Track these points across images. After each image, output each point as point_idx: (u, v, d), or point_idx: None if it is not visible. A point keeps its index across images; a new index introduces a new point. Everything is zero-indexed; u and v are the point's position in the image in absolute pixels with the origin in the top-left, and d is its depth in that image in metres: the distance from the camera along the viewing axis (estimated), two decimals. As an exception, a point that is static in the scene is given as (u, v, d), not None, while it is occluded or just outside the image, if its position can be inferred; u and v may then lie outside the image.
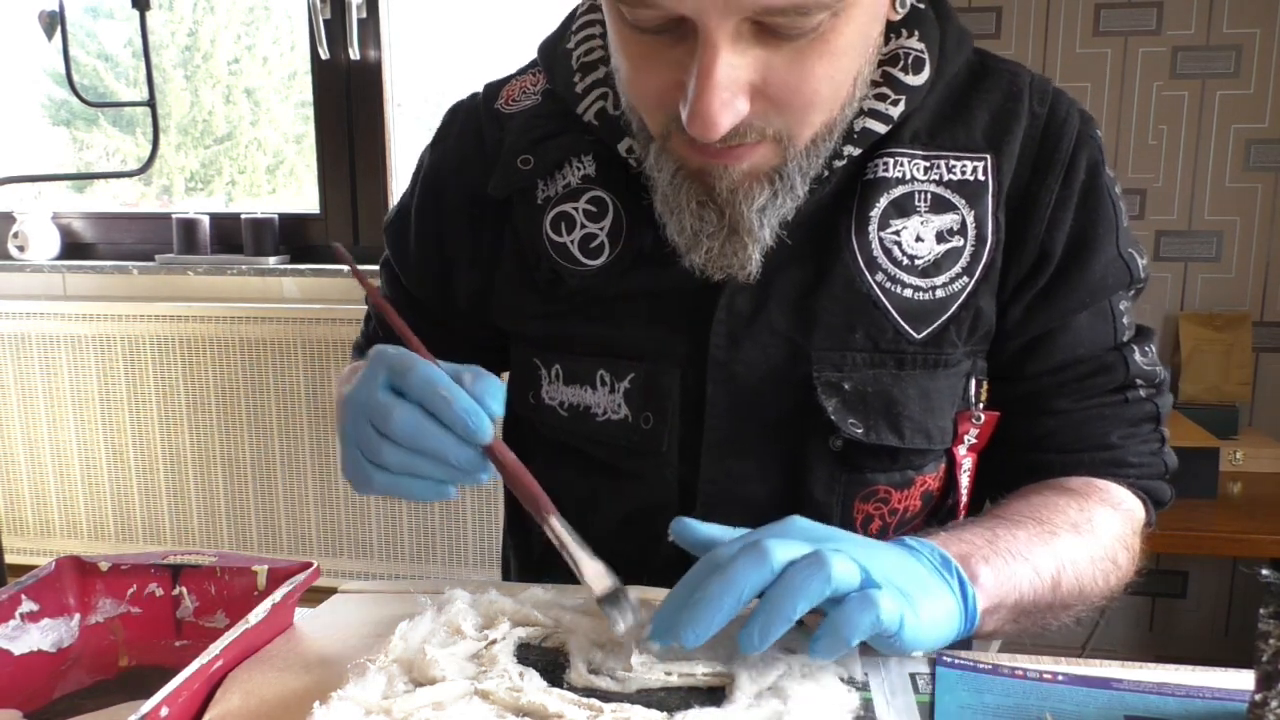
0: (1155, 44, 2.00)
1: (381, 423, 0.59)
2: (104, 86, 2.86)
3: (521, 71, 0.84)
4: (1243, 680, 0.57)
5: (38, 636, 0.64)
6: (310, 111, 2.39)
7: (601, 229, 0.75)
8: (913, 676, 0.58)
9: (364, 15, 2.29)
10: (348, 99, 2.35)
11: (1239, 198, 2.03)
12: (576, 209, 0.76)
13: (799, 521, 0.57)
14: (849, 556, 0.52)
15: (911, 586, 0.55)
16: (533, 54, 0.86)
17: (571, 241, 0.76)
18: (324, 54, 2.31)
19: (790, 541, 0.53)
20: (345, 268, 2.29)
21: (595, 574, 0.58)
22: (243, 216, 2.39)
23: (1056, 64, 2.03)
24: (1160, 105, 2.02)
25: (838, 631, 0.51)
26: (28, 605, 0.64)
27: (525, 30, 2.45)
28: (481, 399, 0.59)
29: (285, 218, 2.43)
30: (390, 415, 0.59)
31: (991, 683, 0.58)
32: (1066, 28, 2.02)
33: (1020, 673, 0.59)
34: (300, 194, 2.87)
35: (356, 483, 0.64)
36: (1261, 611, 0.49)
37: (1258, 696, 0.49)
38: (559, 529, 0.59)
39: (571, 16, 0.81)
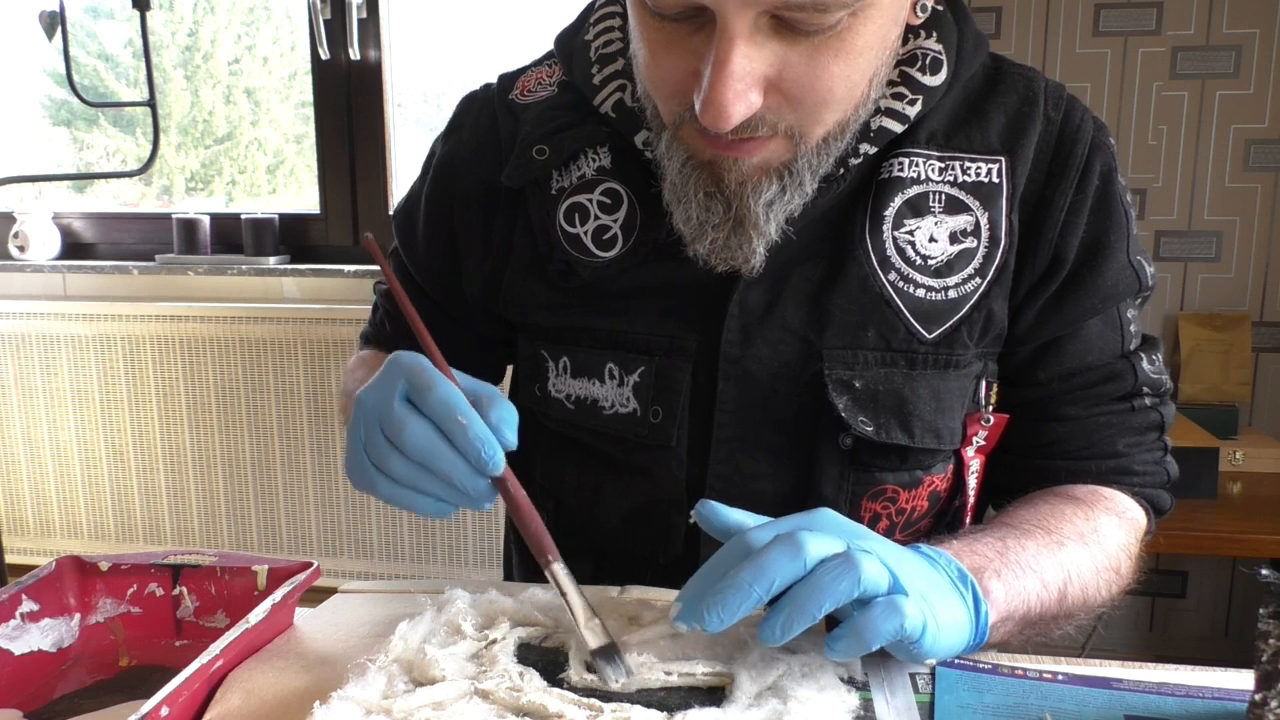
0: (1155, 44, 2.00)
1: (394, 434, 0.58)
2: (104, 86, 2.86)
3: (536, 63, 0.84)
4: (1243, 680, 0.57)
5: (38, 636, 0.64)
6: (310, 111, 2.39)
7: (615, 221, 0.76)
8: (913, 676, 0.58)
9: (364, 15, 2.29)
10: (348, 99, 2.35)
11: (1239, 198, 2.03)
12: (590, 200, 0.76)
13: (829, 514, 0.57)
14: (879, 559, 0.52)
15: (933, 595, 0.55)
16: (535, 52, 0.86)
17: (585, 233, 0.76)
18: (324, 54, 2.31)
19: (823, 536, 0.53)
20: (346, 266, 2.31)
21: (592, 630, 0.57)
22: (243, 216, 2.39)
23: (1056, 64, 2.03)
24: (1160, 105, 2.02)
25: (860, 635, 0.51)
26: (28, 605, 0.64)
27: (525, 30, 2.45)
28: (498, 428, 0.58)
29: (285, 218, 2.43)
30: (404, 429, 0.58)
31: (991, 682, 0.58)
32: (1066, 28, 2.02)
33: (1020, 672, 0.59)
34: (300, 194, 2.87)
35: (358, 484, 0.63)
36: (1261, 611, 0.49)
37: (1258, 696, 0.49)
38: (561, 576, 0.58)
39: (589, 9, 0.81)
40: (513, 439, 0.59)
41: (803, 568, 0.51)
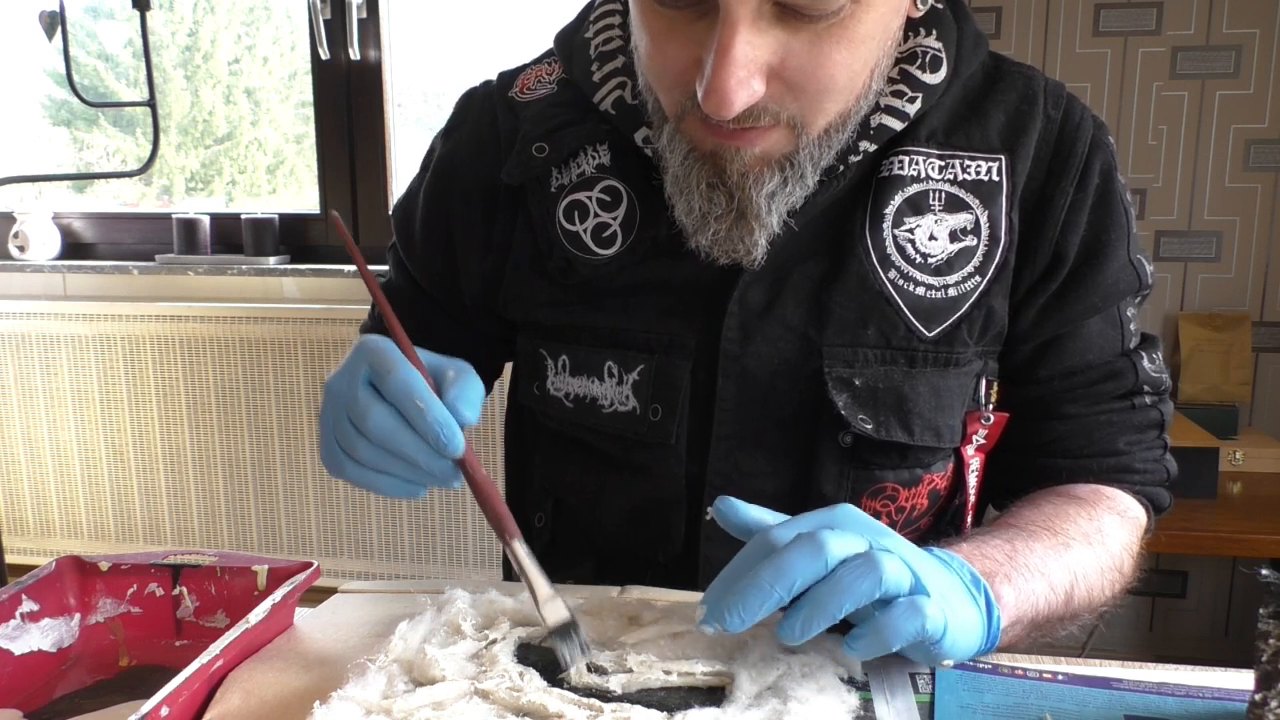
0: (1155, 44, 2.00)
1: (358, 419, 0.59)
2: (104, 86, 2.86)
3: (536, 61, 0.84)
4: (1243, 680, 0.57)
5: (38, 636, 0.64)
6: (310, 111, 2.39)
7: (614, 219, 0.76)
8: (913, 676, 0.58)
9: (364, 15, 2.29)
10: (348, 99, 2.35)
11: (1239, 198, 2.03)
12: (590, 198, 0.76)
13: (850, 511, 0.56)
14: (900, 559, 0.52)
15: (952, 596, 0.55)
16: (534, 51, 0.86)
17: (584, 230, 0.76)
18: (324, 54, 2.31)
19: (845, 535, 0.52)
20: (346, 266, 2.30)
21: (551, 607, 0.57)
22: (243, 216, 2.39)
23: (1056, 64, 2.03)
24: (1160, 105, 2.02)
25: (880, 634, 0.51)
26: (28, 605, 0.64)
27: (525, 29, 2.45)
28: (457, 406, 0.58)
29: (285, 218, 2.43)
30: (367, 414, 0.58)
31: (991, 683, 0.58)
32: (1066, 28, 2.02)
33: (1020, 672, 0.59)
34: (300, 194, 2.87)
35: (330, 469, 0.64)
36: (1261, 611, 0.49)
37: (1258, 696, 0.49)
38: (521, 554, 0.59)
39: (589, 7, 0.81)
40: (471, 416, 0.58)
41: (824, 567, 0.51)
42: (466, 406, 0.58)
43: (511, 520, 0.60)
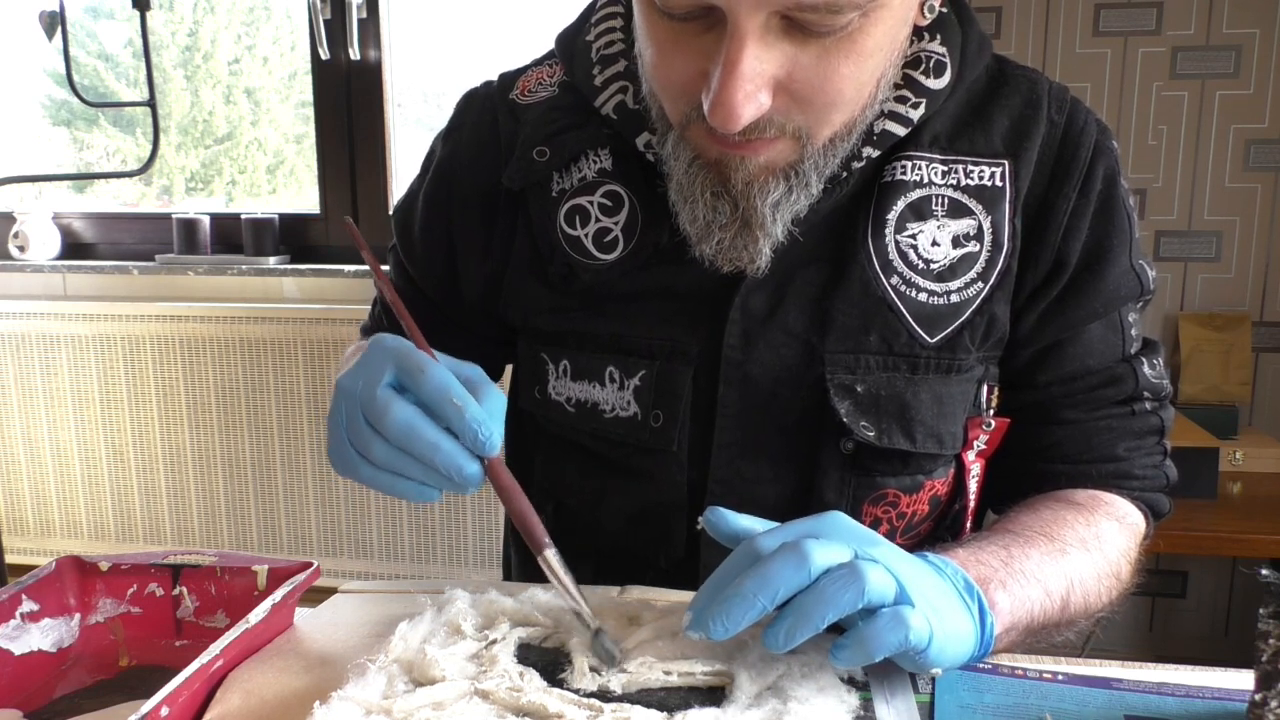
0: (1155, 44, 2.00)
1: (376, 418, 0.58)
2: (104, 86, 2.86)
3: (537, 63, 0.84)
4: (1243, 680, 0.57)
5: (38, 636, 0.64)
6: (310, 111, 2.39)
7: (616, 224, 0.75)
8: (913, 677, 0.58)
9: (364, 15, 2.29)
10: (348, 99, 2.35)
11: (1239, 198, 2.03)
12: (591, 203, 0.76)
13: (839, 519, 0.56)
14: (885, 568, 0.52)
15: (941, 605, 0.54)
16: (535, 52, 0.86)
17: (585, 235, 0.76)
18: (324, 54, 2.31)
19: (830, 544, 0.52)
20: (346, 266, 2.30)
21: (588, 613, 0.59)
22: (243, 216, 2.39)
23: (1056, 64, 2.03)
24: (1160, 105, 2.02)
25: (864, 645, 0.51)
26: (28, 605, 0.64)
27: (525, 30, 2.45)
28: (492, 413, 0.58)
29: (285, 218, 2.43)
30: (387, 412, 0.57)
31: (991, 682, 0.58)
32: (1066, 28, 2.02)
33: (1020, 672, 0.59)
34: (300, 194, 2.87)
35: (341, 469, 0.62)
36: (1261, 611, 0.49)
37: (1258, 696, 0.49)
38: (554, 563, 0.58)
39: (590, 9, 0.81)
40: (501, 425, 0.58)
41: (807, 577, 0.51)
42: (493, 418, 0.58)
43: (542, 528, 0.59)
